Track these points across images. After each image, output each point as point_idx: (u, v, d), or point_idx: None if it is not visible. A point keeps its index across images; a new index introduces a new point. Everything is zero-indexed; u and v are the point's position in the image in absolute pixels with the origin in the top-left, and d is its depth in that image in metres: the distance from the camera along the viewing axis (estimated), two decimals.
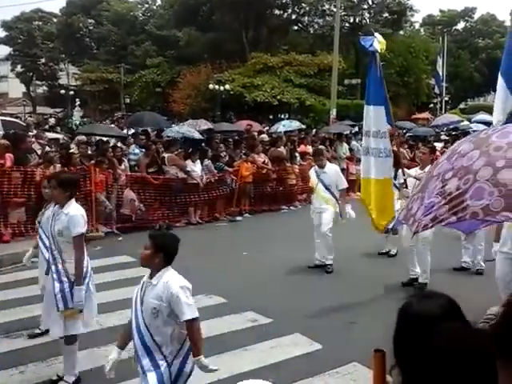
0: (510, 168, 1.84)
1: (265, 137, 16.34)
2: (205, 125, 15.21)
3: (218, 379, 4.54)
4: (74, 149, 11.80)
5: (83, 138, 13.89)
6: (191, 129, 14.68)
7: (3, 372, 4.71)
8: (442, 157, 2.24)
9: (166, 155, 11.71)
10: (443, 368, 1.39)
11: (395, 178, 8.13)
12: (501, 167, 1.85)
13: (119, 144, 12.90)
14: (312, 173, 8.18)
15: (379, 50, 6.60)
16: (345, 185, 8.09)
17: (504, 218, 1.80)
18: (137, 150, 12.40)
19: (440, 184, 1.99)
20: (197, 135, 14.08)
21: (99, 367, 4.82)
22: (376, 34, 6.80)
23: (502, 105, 8.26)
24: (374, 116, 6.67)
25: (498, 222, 1.89)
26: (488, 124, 16.47)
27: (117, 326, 5.76)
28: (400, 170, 8.33)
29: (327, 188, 7.86)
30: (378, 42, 6.56)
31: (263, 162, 13.17)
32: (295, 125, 19.27)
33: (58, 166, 9.80)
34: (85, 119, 33.42)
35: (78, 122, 29.23)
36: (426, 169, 6.31)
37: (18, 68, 52.66)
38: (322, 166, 8.04)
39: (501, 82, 8.25)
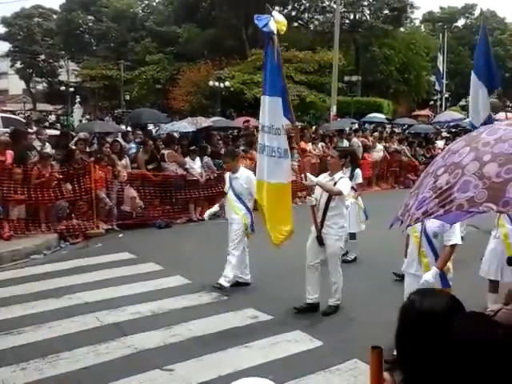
0: (495, 162, 1.91)
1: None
2: (204, 122, 15.16)
3: (219, 376, 4.55)
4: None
5: (86, 134, 13.85)
6: (184, 123, 14.61)
7: (5, 368, 4.72)
8: (439, 155, 2.33)
9: (165, 152, 11.69)
10: (465, 362, 1.39)
11: (351, 178, 7.72)
12: (487, 161, 1.93)
13: (120, 139, 12.86)
14: (226, 177, 7.19)
15: (275, 32, 5.62)
16: (255, 195, 6.68)
17: (486, 209, 1.87)
18: (134, 145, 12.40)
19: (432, 180, 2.09)
20: (189, 129, 14.00)
21: (100, 364, 4.84)
22: (274, 13, 5.74)
23: (477, 102, 8.12)
24: (269, 108, 5.79)
25: (481, 212, 1.99)
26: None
27: (117, 323, 5.78)
28: (358, 170, 8.14)
29: (238, 196, 6.90)
30: (275, 22, 5.61)
31: None
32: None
33: (53, 162, 9.80)
34: (86, 116, 33.35)
35: (74, 122, 29.13)
36: (336, 175, 5.98)
37: (18, 64, 52.56)
38: (234, 171, 7.02)
39: (474, 78, 8.12)
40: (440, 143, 18.50)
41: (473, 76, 8.25)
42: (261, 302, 6.23)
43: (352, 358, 4.83)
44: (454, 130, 22.43)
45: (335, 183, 5.91)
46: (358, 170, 8.14)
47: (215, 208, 7.43)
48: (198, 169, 11.63)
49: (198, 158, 11.74)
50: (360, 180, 8.19)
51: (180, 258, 8.23)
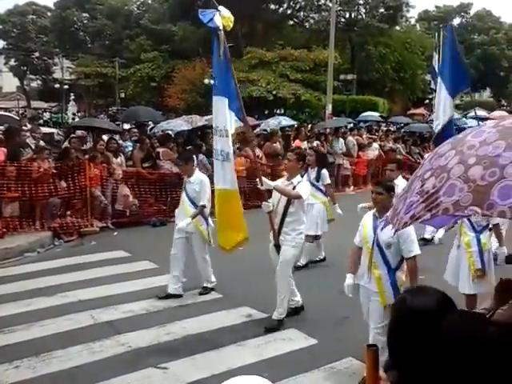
0: (480, 164, 1.91)
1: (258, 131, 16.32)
2: (199, 121, 15.14)
3: (213, 374, 4.55)
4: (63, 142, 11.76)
5: (83, 132, 13.78)
6: (179, 121, 14.57)
7: None
8: (427, 158, 2.34)
9: (160, 150, 11.67)
10: (456, 360, 1.38)
11: (318, 179, 7.72)
12: (472, 164, 1.93)
13: (117, 137, 12.82)
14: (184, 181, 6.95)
15: (221, 28, 5.32)
16: (204, 201, 6.52)
17: (472, 212, 1.89)
18: (130, 144, 12.37)
19: (419, 184, 2.10)
20: (184, 127, 13.97)
21: (94, 362, 4.82)
22: (221, 8, 5.34)
23: (439, 106, 7.95)
24: (215, 109, 5.55)
25: (466, 216, 2.01)
26: (483, 120, 16.49)
27: (111, 321, 5.76)
28: (324, 171, 7.90)
29: (192, 201, 6.59)
30: (220, 18, 5.30)
31: (257, 156, 13.13)
32: (287, 123, 18.72)
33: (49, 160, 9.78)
34: (78, 114, 33.24)
35: (68, 120, 29.02)
36: (295, 179, 5.66)
37: (12, 62, 52.30)
38: (188, 175, 6.72)
39: (440, 82, 7.94)
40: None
41: (438, 79, 8.11)
42: (255, 300, 6.22)
43: (346, 357, 4.84)
44: None
45: (294, 187, 5.59)
46: (324, 171, 7.91)
47: None
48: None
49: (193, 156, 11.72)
50: (328, 181, 7.94)
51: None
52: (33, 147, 10.68)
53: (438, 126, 7.87)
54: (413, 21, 50.92)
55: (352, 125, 20.79)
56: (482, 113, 23.81)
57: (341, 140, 15.82)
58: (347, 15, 39.97)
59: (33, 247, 8.58)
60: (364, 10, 40.59)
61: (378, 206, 4.68)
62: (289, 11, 41.18)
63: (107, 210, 10.32)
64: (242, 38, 36.10)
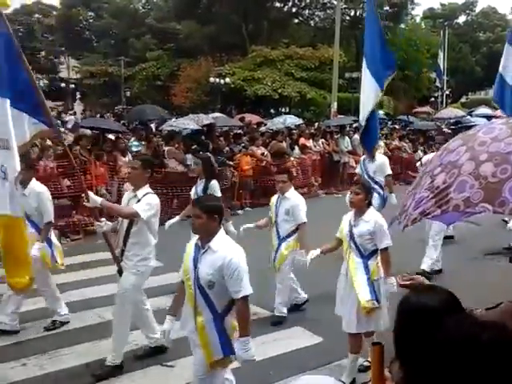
0: (491, 161, 1.91)
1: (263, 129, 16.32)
2: (206, 119, 15.17)
3: None
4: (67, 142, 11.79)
5: (88, 131, 13.84)
6: (187, 121, 14.61)
7: (5, 364, 4.73)
8: (436, 153, 2.33)
9: (165, 148, 11.71)
10: (460, 360, 1.39)
11: (205, 191, 6.61)
12: (483, 161, 1.93)
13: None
14: None
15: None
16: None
17: (482, 209, 1.88)
18: (136, 143, 12.41)
19: (429, 179, 2.09)
20: (192, 126, 14.01)
21: (101, 360, 4.85)
22: None
23: (367, 93, 7.12)
24: None
25: (477, 212, 2.01)
26: (489, 118, 16.41)
27: None
28: (214, 182, 6.79)
29: (28, 218, 5.56)
30: None
31: (262, 155, 13.14)
32: (292, 121, 18.70)
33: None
34: (86, 113, 33.31)
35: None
36: (141, 191, 4.71)
37: None
38: (23, 185, 5.36)
39: (364, 67, 7.12)
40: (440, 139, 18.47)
41: (363, 63, 7.09)
42: (260, 298, 6.22)
43: None
44: (454, 127, 22.43)
45: (139, 201, 4.65)
46: (214, 182, 6.75)
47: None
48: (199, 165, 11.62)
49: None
50: (218, 193, 6.56)
51: (180, 254, 8.23)
52: (39, 146, 10.74)
53: (364, 118, 7.07)
54: (418, 19, 50.71)
55: (357, 123, 20.73)
56: (487, 111, 23.68)
57: (346, 138, 15.79)
58: (352, 13, 39.86)
59: None
60: None
61: (353, 206, 4.60)
62: (294, 9, 41.11)
63: None
64: (247, 36, 36.09)
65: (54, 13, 51.39)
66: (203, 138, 13.51)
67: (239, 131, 16.21)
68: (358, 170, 8.57)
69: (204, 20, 36.60)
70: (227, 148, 13.08)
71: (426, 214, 2.03)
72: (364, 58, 7.17)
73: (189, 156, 11.64)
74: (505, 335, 1.42)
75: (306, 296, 6.25)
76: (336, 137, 15.91)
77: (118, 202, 10.43)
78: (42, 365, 4.75)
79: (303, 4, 40.92)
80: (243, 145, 13.26)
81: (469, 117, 23.00)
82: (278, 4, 40.39)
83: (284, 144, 14.17)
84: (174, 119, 16.34)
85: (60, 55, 50.78)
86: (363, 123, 7.36)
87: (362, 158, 8.46)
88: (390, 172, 8.33)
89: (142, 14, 46.15)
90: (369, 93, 7.13)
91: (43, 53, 50.92)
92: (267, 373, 4.60)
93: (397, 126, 22.10)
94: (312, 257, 5.00)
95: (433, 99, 40.89)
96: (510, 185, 1.83)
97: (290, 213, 5.84)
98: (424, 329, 1.63)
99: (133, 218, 4.62)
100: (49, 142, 11.54)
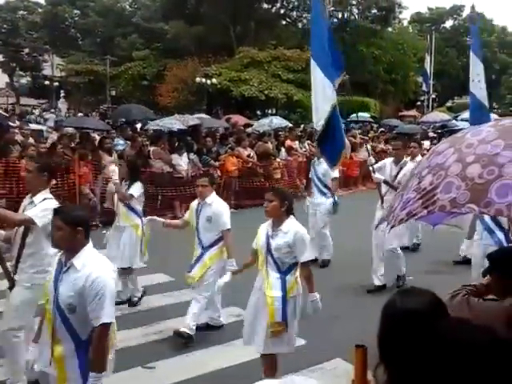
0: (478, 163, 1.93)
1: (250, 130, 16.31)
2: (192, 120, 15.12)
3: (204, 373, 4.51)
4: (52, 140, 11.67)
5: (72, 130, 13.70)
6: (173, 121, 14.55)
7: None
8: (425, 156, 2.35)
9: (151, 149, 11.62)
10: (453, 363, 1.38)
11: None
12: (470, 162, 1.95)
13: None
14: None
15: None
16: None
17: (469, 210, 1.90)
18: (121, 142, 12.30)
19: (417, 181, 2.10)
20: (178, 126, 13.95)
21: None
22: None
23: (321, 94, 6.27)
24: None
25: (463, 213, 2.03)
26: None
27: None
28: (138, 183, 6.40)
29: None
30: None
31: (248, 156, 13.12)
32: (279, 122, 18.60)
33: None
34: (69, 111, 33.02)
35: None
36: (37, 196, 4.26)
37: (1, 58, 51.82)
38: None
39: (313, 63, 6.40)
40: (426, 143, 18.62)
41: (312, 61, 6.50)
42: (245, 301, 6.17)
43: (335, 357, 4.82)
44: (440, 131, 22.63)
45: (35, 207, 4.19)
46: (136, 184, 6.39)
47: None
48: (184, 165, 11.57)
49: (185, 154, 11.69)
50: (136, 195, 6.32)
51: (163, 255, 8.16)
52: (21, 144, 10.60)
53: (319, 122, 6.21)
54: (405, 22, 51.23)
55: (344, 126, 20.81)
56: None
57: None
58: (340, 15, 40.07)
59: None
60: (356, 11, 40.73)
61: (268, 215, 4.18)
62: (282, 11, 41.22)
63: (96, 208, 10.24)
64: (235, 37, 36.08)
65: (39, 10, 50.91)
66: (189, 138, 13.44)
67: (225, 132, 16.17)
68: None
69: (191, 20, 36.52)
70: (214, 148, 13.03)
71: (412, 215, 2.03)
72: (312, 58, 6.67)
73: (174, 156, 11.57)
74: (497, 338, 1.42)
75: (222, 321, 5.66)
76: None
77: (102, 201, 10.37)
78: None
79: (291, 6, 41.04)
80: (229, 146, 13.22)
81: (454, 121, 23.23)
82: (265, 5, 40.46)
83: (270, 145, 14.16)
84: (162, 119, 16.24)
85: (44, 53, 50.25)
86: (319, 128, 6.38)
87: (312, 161, 8.29)
88: (336, 175, 8.09)
89: (129, 13, 45.92)
90: (323, 95, 6.34)
91: (27, 50, 50.40)
92: (249, 376, 4.55)
93: (383, 129, 22.22)
94: (225, 280, 4.77)
95: (419, 103, 41.26)
96: (496, 186, 1.84)
97: (212, 220, 5.33)
98: (411, 332, 1.61)
99: (27, 225, 4.15)
100: (31, 140, 11.41)
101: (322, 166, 7.88)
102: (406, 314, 1.70)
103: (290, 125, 19.52)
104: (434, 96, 41.51)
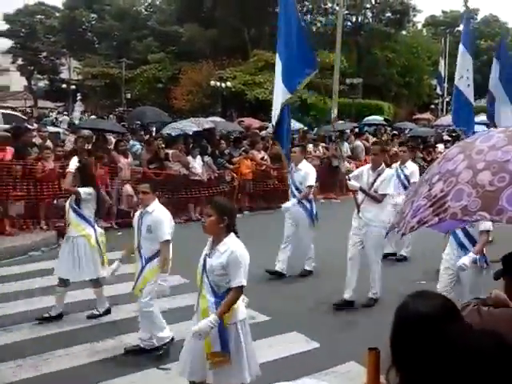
0: (489, 170, 1.91)
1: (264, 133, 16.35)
2: (207, 123, 15.21)
3: None
4: (70, 142, 11.80)
5: (89, 132, 13.82)
6: (189, 123, 14.62)
7: (1, 365, 4.71)
8: (435, 162, 2.33)
9: (169, 151, 11.74)
10: (464, 367, 1.40)
11: (78, 203, 5.88)
12: (480, 169, 1.93)
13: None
14: None
15: None
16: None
17: (480, 218, 1.89)
18: (138, 145, 12.41)
19: (427, 188, 2.09)
20: (194, 128, 14.03)
21: (96, 362, 4.84)
22: None
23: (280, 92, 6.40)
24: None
25: (474, 221, 2.01)
26: (488, 125, 16.38)
27: (114, 321, 5.77)
28: (86, 189, 5.91)
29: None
30: None
31: (262, 158, 13.17)
32: (293, 125, 18.64)
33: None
34: (83, 115, 33.31)
35: (75, 120, 29.10)
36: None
37: (19, 61, 52.52)
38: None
39: (277, 59, 6.63)
40: (440, 146, 18.51)
41: (277, 58, 6.60)
42: (259, 303, 6.22)
43: (349, 361, 4.83)
44: (454, 134, 22.47)
45: None
46: (86, 189, 5.90)
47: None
48: (199, 168, 11.65)
49: (198, 157, 11.77)
50: (94, 206, 5.98)
51: (179, 257, 8.22)
52: (39, 146, 10.76)
53: (274, 117, 6.44)
54: (419, 26, 50.92)
55: (357, 129, 20.80)
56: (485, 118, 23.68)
57: (345, 144, 15.82)
58: (354, 19, 39.98)
59: (37, 246, 8.62)
60: (371, 14, 40.61)
61: (206, 232, 3.68)
62: None
63: (112, 210, 10.35)
64: (249, 40, 36.17)
65: (57, 14, 51.52)
66: (205, 140, 13.53)
67: (239, 135, 16.23)
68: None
69: (206, 23, 36.69)
70: (227, 151, 13.10)
71: (423, 223, 2.02)
72: (277, 55, 6.65)
73: (189, 158, 11.67)
74: (503, 343, 1.43)
75: (171, 335, 5.11)
76: (335, 142, 15.92)
77: (118, 203, 10.48)
78: (38, 366, 4.73)
79: (305, 9, 41.02)
80: (243, 149, 13.28)
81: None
82: (279, 9, 40.50)
83: None
84: (179, 122, 16.32)
85: (61, 56, 50.83)
86: (274, 121, 6.62)
87: (289, 168, 7.81)
88: (312, 183, 7.64)
89: (145, 17, 46.24)
90: (277, 92, 6.53)
91: (45, 53, 51.01)
92: (262, 378, 4.58)
93: (396, 132, 22.13)
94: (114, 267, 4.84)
95: (433, 106, 40.97)
96: (507, 193, 1.84)
97: (152, 230, 5.00)
98: (422, 336, 1.63)
99: None
100: (49, 143, 11.56)
101: (299, 174, 7.59)
102: (418, 318, 1.70)
103: (305, 128, 19.59)
104: (448, 99, 41.18)
